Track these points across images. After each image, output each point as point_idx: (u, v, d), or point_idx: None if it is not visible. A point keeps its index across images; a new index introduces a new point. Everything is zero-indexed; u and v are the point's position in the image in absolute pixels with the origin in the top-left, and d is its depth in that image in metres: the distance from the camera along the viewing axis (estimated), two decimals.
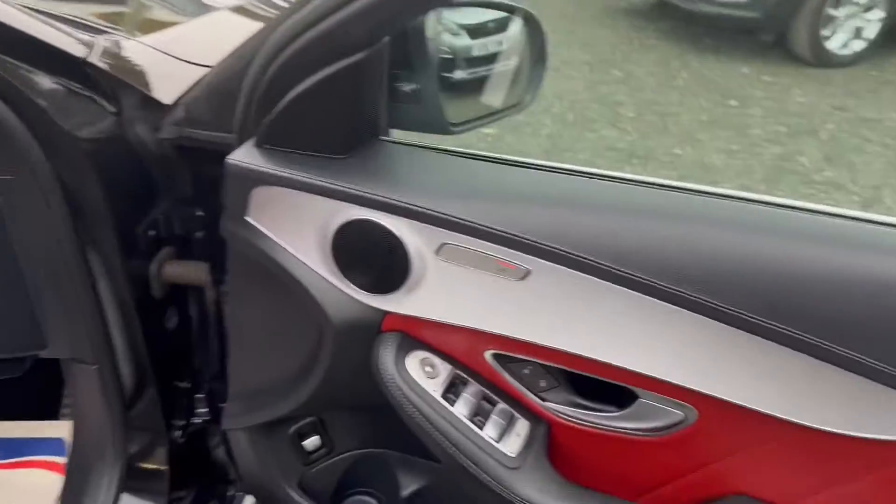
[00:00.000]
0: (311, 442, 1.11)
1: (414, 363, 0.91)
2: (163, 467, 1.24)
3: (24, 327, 1.05)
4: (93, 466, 1.19)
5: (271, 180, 0.89)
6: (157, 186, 1.15)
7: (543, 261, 0.81)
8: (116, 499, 1.17)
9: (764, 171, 3.76)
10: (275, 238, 0.93)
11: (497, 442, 0.89)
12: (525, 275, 0.83)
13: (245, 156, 0.91)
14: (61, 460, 1.42)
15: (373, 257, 0.89)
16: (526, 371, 0.91)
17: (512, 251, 0.82)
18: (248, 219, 0.94)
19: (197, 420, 1.33)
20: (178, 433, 1.29)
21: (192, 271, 1.18)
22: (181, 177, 1.17)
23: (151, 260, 1.16)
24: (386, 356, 0.91)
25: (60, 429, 1.48)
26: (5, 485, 1.35)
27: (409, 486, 1.13)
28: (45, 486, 1.38)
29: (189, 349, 1.30)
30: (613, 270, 0.78)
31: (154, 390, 1.20)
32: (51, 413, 1.48)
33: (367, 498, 1.16)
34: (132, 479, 1.20)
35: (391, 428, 1.12)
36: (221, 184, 1.14)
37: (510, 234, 0.81)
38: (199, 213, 1.19)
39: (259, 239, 0.94)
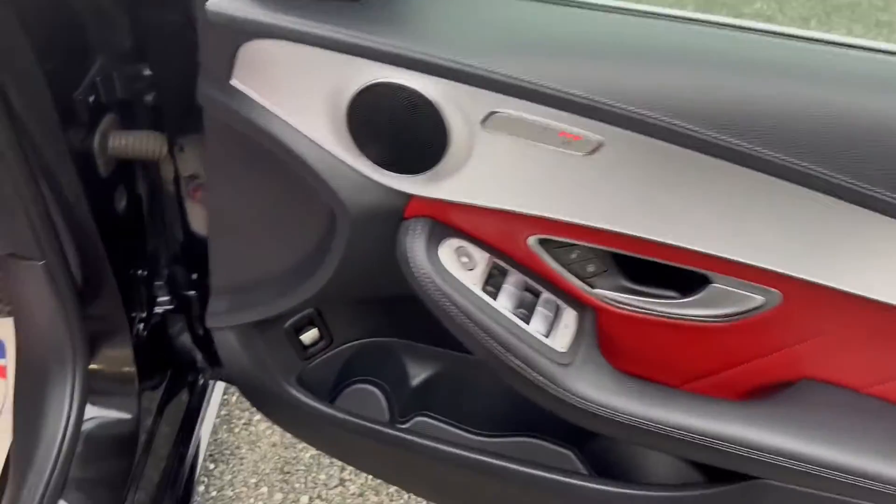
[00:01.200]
0: (309, 335, 0.94)
1: (448, 253, 0.74)
2: (129, 368, 1.05)
3: None
4: (50, 375, 0.98)
5: (267, 32, 0.66)
6: (91, 40, 0.88)
7: (621, 130, 0.63)
8: (81, 409, 0.98)
9: (695, 4, 3.58)
10: (270, 107, 0.71)
11: (546, 336, 0.75)
12: (595, 148, 0.65)
13: (229, 0, 0.66)
14: (2, 362, 1.20)
15: (400, 130, 0.68)
16: (573, 256, 0.76)
17: (582, 119, 0.64)
18: (235, 82, 0.71)
19: (159, 310, 1.13)
20: (140, 326, 1.09)
21: (144, 143, 0.94)
22: (120, 26, 0.89)
23: (93, 132, 0.91)
24: (415, 246, 0.73)
25: None
26: None
27: (418, 375, 0.99)
28: None
29: (142, 233, 1.08)
30: (708, 139, 0.62)
31: (111, 282, 0.99)
32: None
33: (367, 386, 1.02)
34: (97, 384, 1.01)
35: (397, 315, 0.96)
36: (173, 34, 0.88)
37: (582, 98, 0.63)
38: (147, 71, 0.92)
39: (249, 108, 0.71)
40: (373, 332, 0.98)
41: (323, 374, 0.98)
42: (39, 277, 0.91)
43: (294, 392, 0.94)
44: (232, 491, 1.36)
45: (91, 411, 1.01)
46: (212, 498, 1.34)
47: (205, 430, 1.25)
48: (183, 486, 1.19)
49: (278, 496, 1.36)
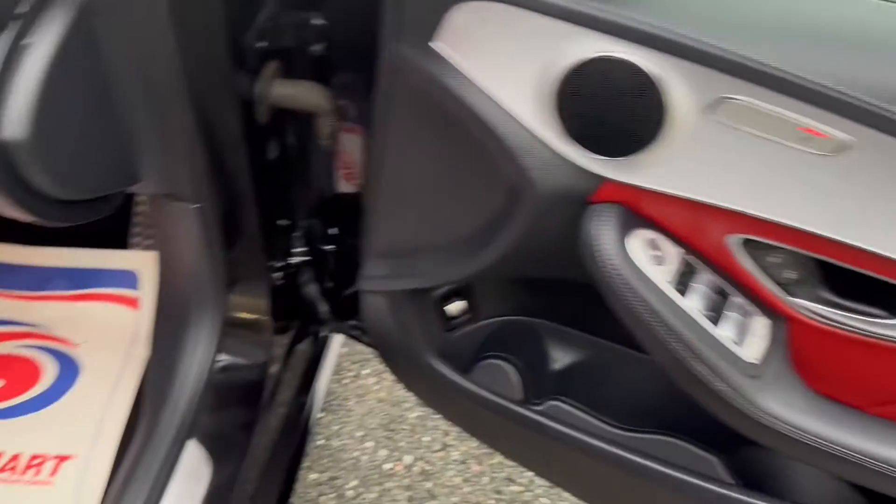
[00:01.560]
0: (455, 306, 0.90)
1: (637, 245, 0.68)
2: (264, 316, 1.04)
3: (114, 160, 0.78)
4: (189, 317, 0.97)
5: None
6: None
7: (878, 132, 0.56)
8: (217, 352, 0.97)
9: None
10: (469, 73, 0.65)
11: (737, 344, 0.68)
12: (842, 148, 0.58)
13: None
14: (134, 294, 1.21)
15: (613, 109, 0.62)
16: (773, 259, 0.69)
17: (830, 115, 0.56)
18: (436, 45, 0.65)
19: (294, 260, 1.11)
20: (277, 275, 1.07)
21: (308, 94, 0.90)
22: None
23: (257, 78, 0.87)
24: (603, 234, 0.67)
25: (131, 260, 1.25)
26: (77, 318, 1.15)
27: (559, 359, 0.94)
28: (120, 321, 1.18)
29: (288, 183, 1.05)
30: None
31: (256, 230, 0.97)
32: (117, 241, 1.24)
33: (500, 362, 0.98)
34: (232, 329, 1.00)
35: (548, 296, 0.91)
36: None
37: (835, 91, 0.55)
38: (315, 20, 0.88)
39: (446, 73, 0.66)
40: (519, 310, 0.93)
41: (462, 346, 0.95)
42: (191, 220, 0.89)
43: (433, 362, 0.91)
44: (339, 441, 1.36)
45: (224, 356, 1.00)
46: (319, 446, 1.35)
47: (321, 382, 1.24)
48: (300, 434, 1.19)
49: (383, 452, 1.35)
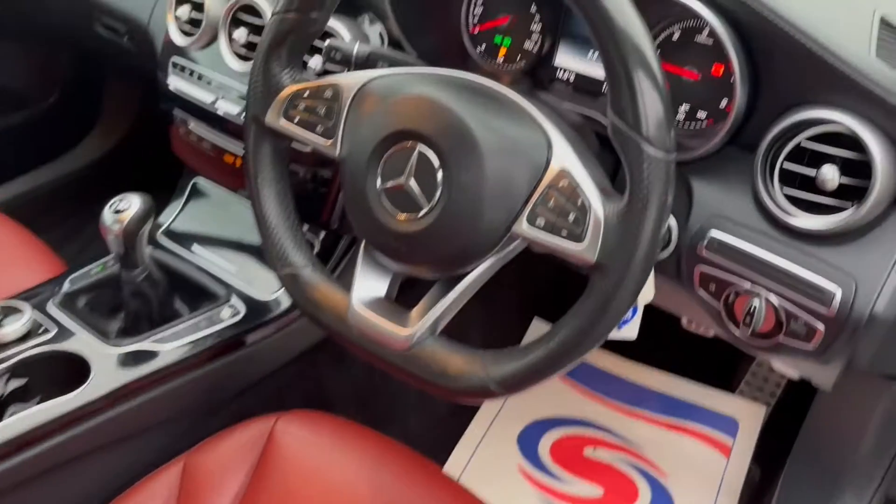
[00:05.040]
0: None
1: None
2: None
3: None
4: (840, 492, 0.87)
5: None
6: None
7: None
8: None
9: None
10: None
11: None
12: None
13: None
14: (729, 441, 1.16)
15: None
16: None
17: None
18: None
19: None
20: None
21: None
22: None
23: None
24: None
25: (738, 407, 1.21)
26: (667, 446, 1.13)
27: None
28: (709, 464, 1.13)
29: None
30: None
31: None
32: (724, 383, 1.21)
33: None
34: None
35: None
36: None
37: None
38: None
39: None
40: None
41: None
42: None
43: None
44: None
45: None
46: None
47: None
48: None
49: None
